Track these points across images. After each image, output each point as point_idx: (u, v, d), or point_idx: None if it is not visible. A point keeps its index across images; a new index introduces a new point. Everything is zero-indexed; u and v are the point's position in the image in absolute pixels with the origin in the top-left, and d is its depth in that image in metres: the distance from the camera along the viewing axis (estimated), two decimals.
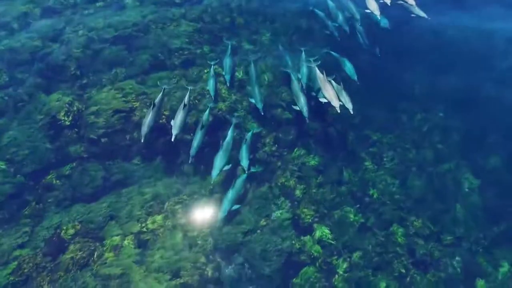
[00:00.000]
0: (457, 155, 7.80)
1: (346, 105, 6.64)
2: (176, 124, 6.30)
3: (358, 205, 6.83)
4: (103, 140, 6.87)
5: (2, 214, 6.17)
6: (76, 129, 7.00)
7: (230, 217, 6.29)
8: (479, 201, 7.30)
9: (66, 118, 6.98)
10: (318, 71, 7.06)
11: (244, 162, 6.38)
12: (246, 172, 6.37)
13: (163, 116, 7.02)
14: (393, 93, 8.34)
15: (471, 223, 7.04)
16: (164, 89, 6.77)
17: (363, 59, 8.25)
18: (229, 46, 7.81)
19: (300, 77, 7.19)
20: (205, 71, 7.84)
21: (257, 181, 6.81)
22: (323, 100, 6.80)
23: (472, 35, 9.26)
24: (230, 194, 6.16)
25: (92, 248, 5.93)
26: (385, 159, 7.51)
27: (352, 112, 6.64)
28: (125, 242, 6.00)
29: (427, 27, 8.92)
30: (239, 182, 6.34)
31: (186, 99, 6.64)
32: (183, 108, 6.44)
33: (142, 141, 6.25)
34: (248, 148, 6.53)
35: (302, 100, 6.75)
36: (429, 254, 6.59)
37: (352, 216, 6.71)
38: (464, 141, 7.98)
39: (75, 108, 7.12)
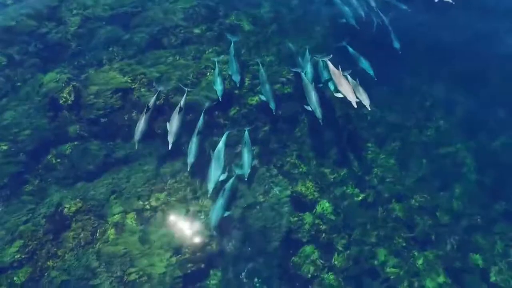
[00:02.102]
0: (458, 134, 7.74)
1: (363, 102, 6.22)
2: (172, 130, 5.96)
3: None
4: (102, 120, 6.87)
5: (4, 192, 6.27)
6: (75, 109, 6.98)
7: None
8: (479, 179, 7.29)
9: (64, 98, 6.95)
10: (331, 65, 6.57)
11: (246, 169, 6.03)
12: (245, 179, 6.08)
13: (162, 95, 6.97)
14: (397, 70, 8.20)
15: (469, 201, 7.06)
16: (159, 92, 6.42)
17: (368, 35, 8.06)
18: (233, 44, 7.24)
19: (304, 72, 6.79)
20: (208, 50, 7.69)
21: (258, 159, 6.81)
22: (338, 95, 6.38)
23: None
24: (220, 202, 5.80)
25: (95, 225, 6.03)
26: (387, 138, 7.47)
27: (369, 109, 6.27)
28: (127, 220, 6.09)
29: None
30: (228, 188, 5.97)
31: (182, 103, 6.20)
32: (179, 112, 6.03)
33: (136, 148, 5.96)
34: (250, 151, 6.15)
35: (315, 101, 6.28)
36: (427, 231, 6.65)
37: (351, 190, 6.75)
38: (466, 121, 7.90)
39: (73, 88, 7.06)
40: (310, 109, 6.40)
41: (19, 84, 7.24)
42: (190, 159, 5.93)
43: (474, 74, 8.25)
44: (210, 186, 5.75)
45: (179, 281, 5.71)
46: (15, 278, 5.59)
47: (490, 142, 7.70)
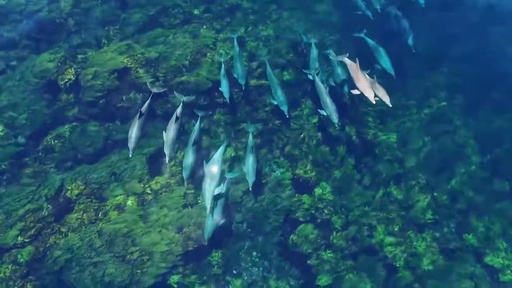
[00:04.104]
0: (458, 114, 7.81)
1: (382, 99, 5.87)
2: (168, 140, 5.38)
3: None
4: (101, 101, 6.81)
5: (5, 175, 6.27)
6: (73, 91, 6.89)
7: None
8: (478, 161, 7.41)
9: (62, 80, 6.86)
10: (348, 60, 6.18)
11: (251, 178, 5.55)
12: (250, 189, 5.62)
13: (161, 76, 6.93)
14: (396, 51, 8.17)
15: (468, 183, 7.19)
16: (152, 95, 5.96)
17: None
18: (235, 41, 6.82)
19: (317, 73, 6.37)
20: (204, 27, 7.60)
21: (259, 141, 6.85)
22: (355, 92, 6.06)
23: None
24: (213, 211, 5.42)
25: (96, 207, 6.08)
26: (389, 118, 7.52)
27: (390, 105, 5.89)
28: (128, 201, 6.16)
29: None
30: (220, 201, 5.56)
31: (178, 111, 5.67)
32: (175, 121, 5.51)
33: (130, 155, 5.45)
34: (255, 157, 5.65)
35: (330, 104, 5.91)
36: (425, 212, 6.78)
37: (351, 172, 6.83)
38: (467, 101, 7.96)
39: (70, 70, 6.95)
40: (324, 114, 6.10)
41: (14, 63, 7.12)
42: (186, 174, 5.41)
43: None
44: (207, 203, 5.13)
45: (180, 258, 5.83)
46: (18, 256, 5.69)
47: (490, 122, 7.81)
